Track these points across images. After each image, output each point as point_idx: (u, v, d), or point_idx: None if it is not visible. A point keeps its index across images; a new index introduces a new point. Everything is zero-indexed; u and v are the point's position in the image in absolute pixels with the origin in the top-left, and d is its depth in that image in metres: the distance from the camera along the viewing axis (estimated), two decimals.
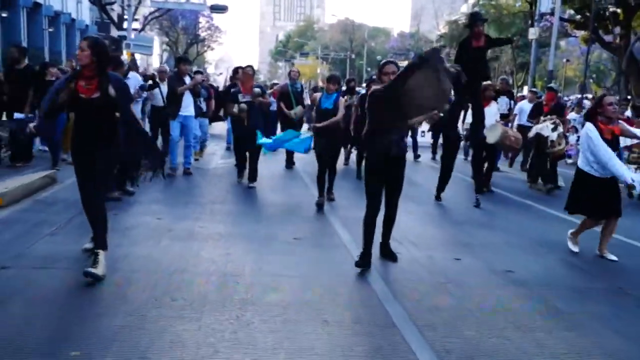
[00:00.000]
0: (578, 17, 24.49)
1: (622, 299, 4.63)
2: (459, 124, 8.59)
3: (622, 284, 4.98)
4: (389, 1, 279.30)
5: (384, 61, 5.13)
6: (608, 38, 25.28)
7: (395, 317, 3.87)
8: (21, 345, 3.16)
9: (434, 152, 13.16)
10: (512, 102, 11.54)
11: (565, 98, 26.24)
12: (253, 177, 8.39)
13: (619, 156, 6.53)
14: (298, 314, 3.82)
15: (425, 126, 13.75)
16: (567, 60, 28.14)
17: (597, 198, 5.51)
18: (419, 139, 13.37)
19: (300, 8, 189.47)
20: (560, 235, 6.16)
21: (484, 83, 8.33)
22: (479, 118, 8.03)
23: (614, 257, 5.59)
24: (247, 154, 8.49)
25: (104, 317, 3.59)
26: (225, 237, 5.66)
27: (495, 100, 9.77)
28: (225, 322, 3.62)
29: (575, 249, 5.81)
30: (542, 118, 9.44)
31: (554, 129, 8.89)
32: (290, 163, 10.72)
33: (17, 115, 8.45)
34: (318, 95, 7.61)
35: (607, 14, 24.16)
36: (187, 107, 8.88)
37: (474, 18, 7.91)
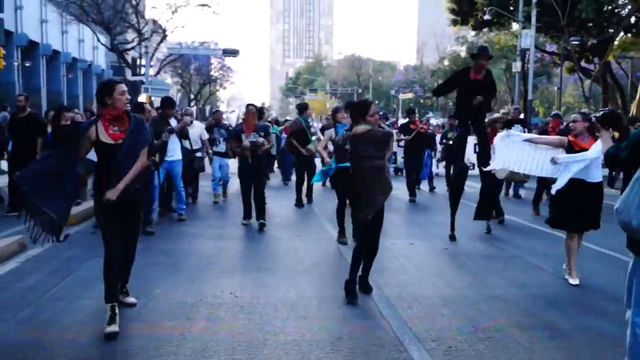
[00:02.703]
0: (564, 50, 26.13)
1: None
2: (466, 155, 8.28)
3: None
4: (395, 36, 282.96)
5: (365, 100, 5.31)
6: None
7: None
8: None
9: (449, 182, 12.66)
10: (526, 130, 11.37)
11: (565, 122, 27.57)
12: (262, 214, 8.07)
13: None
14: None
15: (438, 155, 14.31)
16: (558, 88, 29.83)
17: (577, 210, 5.59)
18: (435, 169, 13.45)
19: (309, 45, 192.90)
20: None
21: (494, 116, 8.36)
22: (484, 150, 7.87)
23: (575, 282, 5.66)
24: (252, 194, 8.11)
25: None
26: None
27: (508, 128, 9.93)
28: None
29: (575, 281, 5.69)
30: None
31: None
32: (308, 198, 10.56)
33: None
34: (331, 131, 7.66)
35: (588, 45, 25.66)
36: (173, 151, 8.21)
37: (482, 51, 7.84)
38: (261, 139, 8.05)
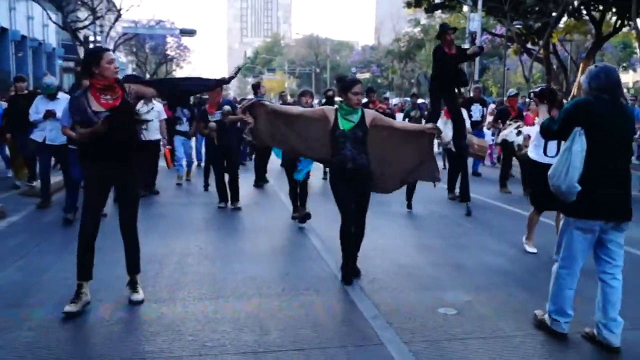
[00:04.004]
0: (508, 32, 27.43)
1: None
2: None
3: None
4: (353, 15, 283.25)
5: (351, 79, 5.00)
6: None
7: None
8: None
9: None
10: (485, 109, 11.92)
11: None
12: (236, 197, 8.04)
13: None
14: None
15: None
16: (508, 69, 31.39)
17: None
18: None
19: (267, 24, 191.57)
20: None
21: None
22: (458, 126, 7.99)
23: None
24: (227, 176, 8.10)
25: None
26: None
27: (468, 108, 10.11)
28: None
29: (533, 249, 5.98)
30: (507, 122, 9.52)
31: (518, 134, 8.85)
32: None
33: None
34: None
35: (534, 28, 27.14)
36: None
37: (444, 27, 7.92)
38: (227, 107, 7.82)
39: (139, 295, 4.31)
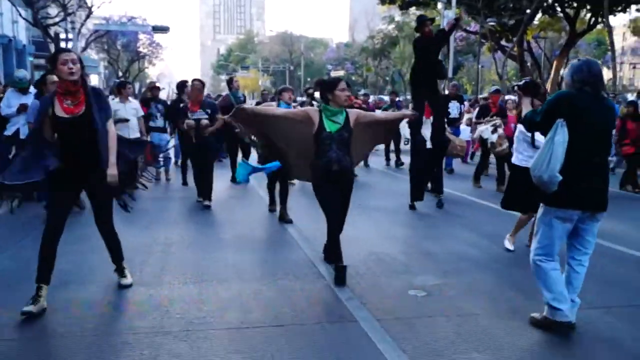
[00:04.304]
0: (482, 29, 27.90)
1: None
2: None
3: None
4: (327, 12, 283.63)
5: (334, 77, 5.07)
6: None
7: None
8: None
9: (388, 158, 13.61)
10: (462, 106, 12.03)
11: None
12: (208, 195, 7.94)
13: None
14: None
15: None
16: (482, 66, 31.93)
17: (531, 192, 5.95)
18: (402, 146, 13.38)
19: (240, 21, 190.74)
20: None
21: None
22: (439, 121, 8.07)
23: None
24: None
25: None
26: None
27: (445, 105, 9.99)
28: None
29: (511, 247, 6.04)
30: (486, 119, 9.72)
31: (493, 131, 9.05)
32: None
33: None
34: (274, 104, 7.25)
35: (508, 25, 27.65)
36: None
37: (422, 19, 7.92)
38: (205, 121, 7.68)
39: (127, 280, 4.50)
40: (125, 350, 3.42)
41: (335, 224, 4.80)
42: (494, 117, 9.58)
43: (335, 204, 4.83)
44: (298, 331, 3.78)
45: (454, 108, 11.38)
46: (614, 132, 9.54)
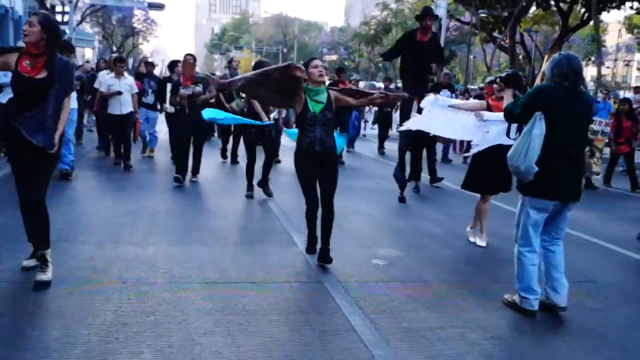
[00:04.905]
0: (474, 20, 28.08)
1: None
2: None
3: None
4: None
5: (310, 58, 5.06)
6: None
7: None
8: None
9: (382, 147, 13.61)
10: (454, 95, 12.12)
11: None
12: (196, 168, 8.21)
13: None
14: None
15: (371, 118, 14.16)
16: (474, 57, 32.16)
17: (490, 175, 5.64)
18: (370, 131, 13.62)
19: (236, 1, 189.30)
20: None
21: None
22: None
23: (483, 244, 5.88)
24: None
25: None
26: None
27: (437, 93, 10.47)
28: None
29: (474, 239, 5.99)
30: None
31: None
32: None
33: None
34: None
35: (501, 18, 27.81)
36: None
37: (426, 12, 7.82)
38: (198, 88, 7.90)
39: (44, 275, 4.02)
40: (115, 295, 3.91)
41: (312, 206, 4.88)
42: None
43: (313, 185, 4.87)
44: (268, 288, 4.28)
45: (445, 97, 11.34)
46: (609, 130, 9.92)
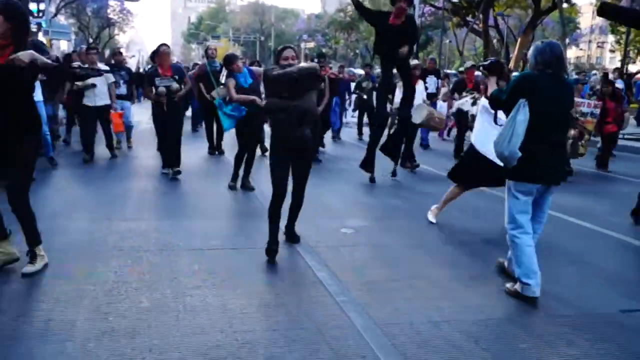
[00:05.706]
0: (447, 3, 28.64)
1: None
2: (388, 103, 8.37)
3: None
4: None
5: (282, 47, 4.92)
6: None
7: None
8: None
9: (360, 132, 13.88)
10: (440, 81, 12.08)
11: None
12: (177, 160, 7.97)
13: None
14: None
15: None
16: (450, 41, 32.79)
17: (486, 168, 5.66)
18: (350, 119, 13.52)
19: None
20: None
21: (412, 62, 8.22)
22: (407, 94, 7.94)
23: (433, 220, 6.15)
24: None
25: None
26: None
27: (423, 79, 9.99)
28: None
29: (434, 220, 6.16)
30: (463, 94, 9.47)
31: (473, 104, 8.89)
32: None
33: None
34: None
35: (475, 2, 28.45)
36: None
37: None
38: (175, 85, 7.69)
39: (32, 267, 4.11)
40: (114, 260, 4.50)
41: (279, 198, 4.83)
42: (471, 92, 9.45)
43: (285, 177, 4.83)
44: (248, 253, 4.89)
45: (431, 83, 11.29)
46: (597, 112, 9.89)
